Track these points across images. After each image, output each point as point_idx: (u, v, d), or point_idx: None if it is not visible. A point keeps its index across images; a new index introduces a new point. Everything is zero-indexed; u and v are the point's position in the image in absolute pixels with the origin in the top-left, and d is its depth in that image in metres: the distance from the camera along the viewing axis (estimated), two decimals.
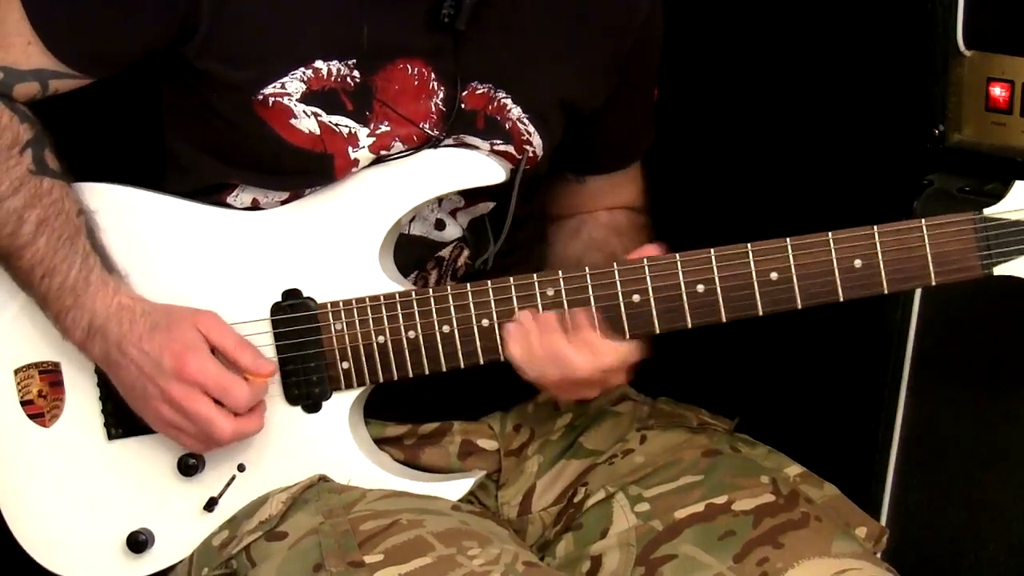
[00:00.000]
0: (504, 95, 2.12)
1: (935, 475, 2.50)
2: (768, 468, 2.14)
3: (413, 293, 2.05)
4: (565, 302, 2.01)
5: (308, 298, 2.08)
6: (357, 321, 2.07)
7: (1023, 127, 2.36)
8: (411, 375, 2.07)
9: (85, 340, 2.06)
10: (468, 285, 2.04)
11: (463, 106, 2.10)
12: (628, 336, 2.01)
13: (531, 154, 2.15)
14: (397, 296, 2.05)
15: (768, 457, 2.18)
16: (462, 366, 2.05)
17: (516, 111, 2.12)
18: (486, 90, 2.11)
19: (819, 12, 2.79)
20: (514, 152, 2.14)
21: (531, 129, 2.14)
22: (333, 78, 2.04)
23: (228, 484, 2.12)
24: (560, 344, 2.00)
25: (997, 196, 1.93)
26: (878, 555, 2.11)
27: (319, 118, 2.05)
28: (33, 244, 2.03)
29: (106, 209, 2.11)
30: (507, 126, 2.13)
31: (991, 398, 2.42)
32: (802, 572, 1.97)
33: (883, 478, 2.53)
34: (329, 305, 2.07)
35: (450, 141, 2.11)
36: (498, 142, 2.13)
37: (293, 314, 2.08)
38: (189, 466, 2.11)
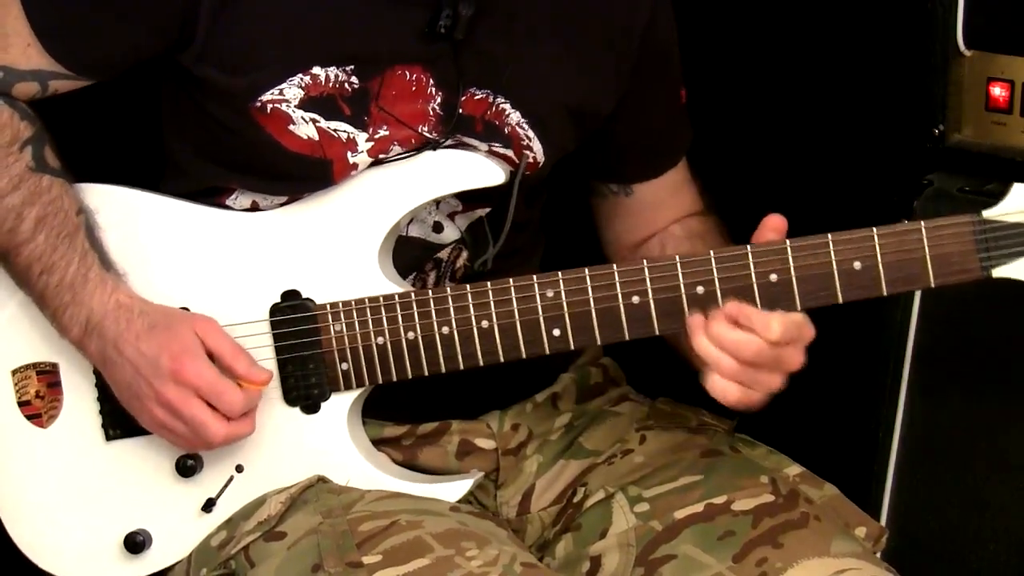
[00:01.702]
0: (503, 101, 2.11)
1: (935, 475, 2.49)
2: (768, 468, 2.14)
3: (412, 294, 2.05)
4: (564, 303, 2.01)
5: (307, 299, 2.08)
6: (356, 322, 2.06)
7: (1023, 127, 2.36)
8: (410, 376, 2.06)
9: (82, 337, 2.06)
10: (468, 286, 2.03)
11: (461, 111, 2.09)
12: (628, 337, 2.01)
13: (531, 159, 2.14)
14: (396, 297, 2.05)
15: (768, 457, 2.18)
16: (461, 367, 2.05)
17: (515, 116, 2.11)
18: (484, 96, 2.10)
19: (819, 12, 2.79)
20: (513, 156, 2.13)
21: (531, 134, 2.13)
22: (331, 84, 2.04)
23: (226, 485, 2.12)
24: (724, 331, 1.95)
25: (997, 196, 1.93)
26: (878, 555, 2.11)
27: (317, 124, 2.05)
28: (32, 241, 2.03)
29: (106, 210, 2.11)
30: (506, 131, 2.12)
31: (991, 398, 2.42)
32: (801, 572, 1.97)
33: (883, 478, 2.53)
34: (328, 306, 2.07)
35: (449, 142, 2.10)
36: (497, 145, 2.12)
37: (292, 315, 2.08)
38: (187, 467, 2.11)
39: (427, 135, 2.09)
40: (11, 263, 2.07)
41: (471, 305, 2.03)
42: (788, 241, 1.95)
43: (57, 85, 2.08)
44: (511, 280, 2.02)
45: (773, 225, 1.97)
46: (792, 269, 1.94)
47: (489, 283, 2.03)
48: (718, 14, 2.87)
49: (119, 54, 2.07)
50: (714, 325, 1.95)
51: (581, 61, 2.15)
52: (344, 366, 2.07)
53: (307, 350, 2.08)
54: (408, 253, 2.14)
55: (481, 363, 2.04)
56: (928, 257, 1.92)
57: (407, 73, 2.06)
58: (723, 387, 1.96)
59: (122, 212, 2.11)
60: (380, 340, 2.06)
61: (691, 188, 2.36)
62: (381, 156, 2.08)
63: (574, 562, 2.11)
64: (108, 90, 2.14)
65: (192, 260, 2.10)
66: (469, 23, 2.03)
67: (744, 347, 1.93)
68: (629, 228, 2.35)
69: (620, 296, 1.99)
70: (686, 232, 2.32)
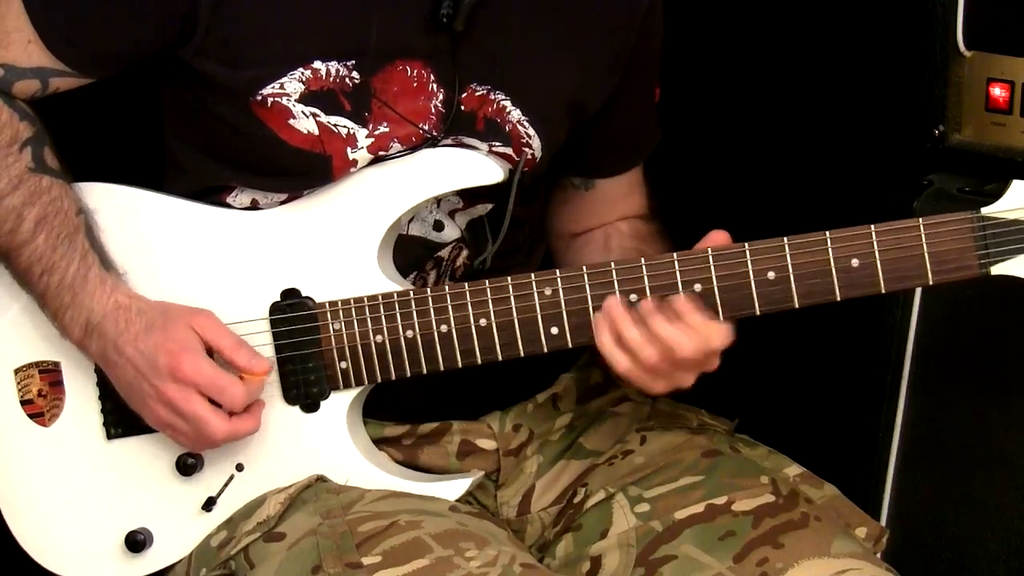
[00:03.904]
0: (503, 97, 2.11)
1: (935, 475, 2.50)
2: (768, 468, 2.14)
3: (411, 293, 2.05)
4: (562, 301, 2.01)
5: (307, 297, 2.08)
6: (355, 321, 2.06)
7: (1023, 127, 2.36)
8: (409, 375, 2.06)
9: (83, 338, 2.06)
10: (466, 285, 2.03)
11: (462, 108, 2.09)
12: None
13: (529, 156, 2.14)
14: (395, 296, 2.05)
15: (768, 457, 2.18)
16: (459, 366, 2.05)
17: (516, 113, 2.12)
18: (485, 92, 2.10)
19: (819, 12, 2.80)
20: (512, 154, 2.13)
21: (531, 131, 2.13)
22: (332, 79, 2.04)
23: (226, 484, 2.12)
24: (664, 328, 1.96)
25: (997, 196, 1.93)
26: (878, 555, 2.11)
27: (318, 118, 2.05)
28: (32, 242, 2.04)
29: (106, 209, 2.11)
30: (507, 128, 2.12)
31: (991, 398, 2.42)
32: (802, 572, 1.97)
33: (883, 478, 2.53)
34: (328, 305, 2.07)
35: (448, 141, 2.10)
36: (497, 144, 2.12)
37: (292, 313, 2.08)
38: (188, 466, 2.11)
39: (428, 132, 2.09)
40: (12, 264, 2.07)
41: (469, 304, 2.03)
42: (786, 239, 1.95)
43: (58, 83, 2.08)
44: (509, 279, 2.02)
45: (715, 240, 1.99)
46: (790, 267, 1.94)
47: (487, 281, 2.03)
48: (719, 13, 2.88)
49: (120, 50, 2.07)
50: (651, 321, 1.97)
51: (579, 53, 2.15)
52: (343, 364, 2.07)
53: (306, 348, 2.08)
54: (409, 252, 2.14)
55: (479, 361, 2.04)
56: (926, 254, 1.91)
57: (408, 69, 2.06)
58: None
59: (122, 211, 2.11)
60: (379, 338, 2.06)
61: (643, 189, 2.37)
62: (381, 153, 2.08)
63: (574, 562, 2.11)
64: (108, 89, 2.14)
65: (192, 258, 2.10)
66: (470, 14, 2.02)
67: (684, 349, 1.96)
68: (577, 219, 2.36)
69: (618, 294, 1.99)
70: (633, 231, 2.32)
